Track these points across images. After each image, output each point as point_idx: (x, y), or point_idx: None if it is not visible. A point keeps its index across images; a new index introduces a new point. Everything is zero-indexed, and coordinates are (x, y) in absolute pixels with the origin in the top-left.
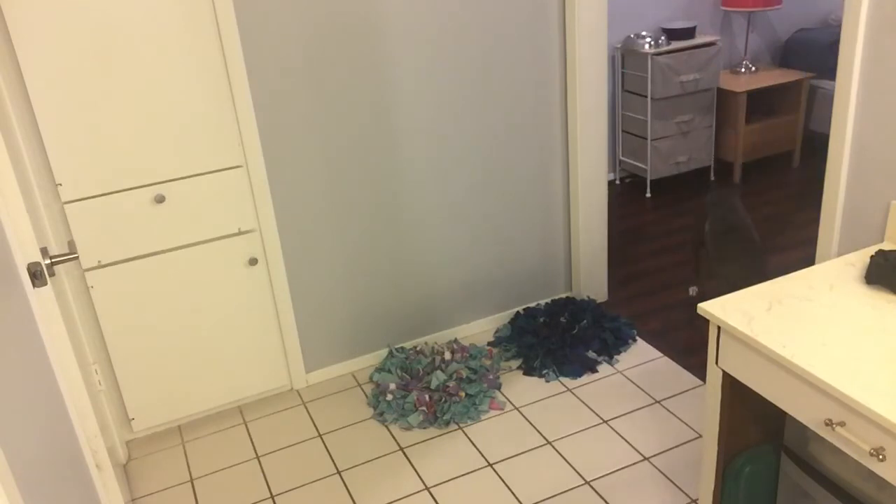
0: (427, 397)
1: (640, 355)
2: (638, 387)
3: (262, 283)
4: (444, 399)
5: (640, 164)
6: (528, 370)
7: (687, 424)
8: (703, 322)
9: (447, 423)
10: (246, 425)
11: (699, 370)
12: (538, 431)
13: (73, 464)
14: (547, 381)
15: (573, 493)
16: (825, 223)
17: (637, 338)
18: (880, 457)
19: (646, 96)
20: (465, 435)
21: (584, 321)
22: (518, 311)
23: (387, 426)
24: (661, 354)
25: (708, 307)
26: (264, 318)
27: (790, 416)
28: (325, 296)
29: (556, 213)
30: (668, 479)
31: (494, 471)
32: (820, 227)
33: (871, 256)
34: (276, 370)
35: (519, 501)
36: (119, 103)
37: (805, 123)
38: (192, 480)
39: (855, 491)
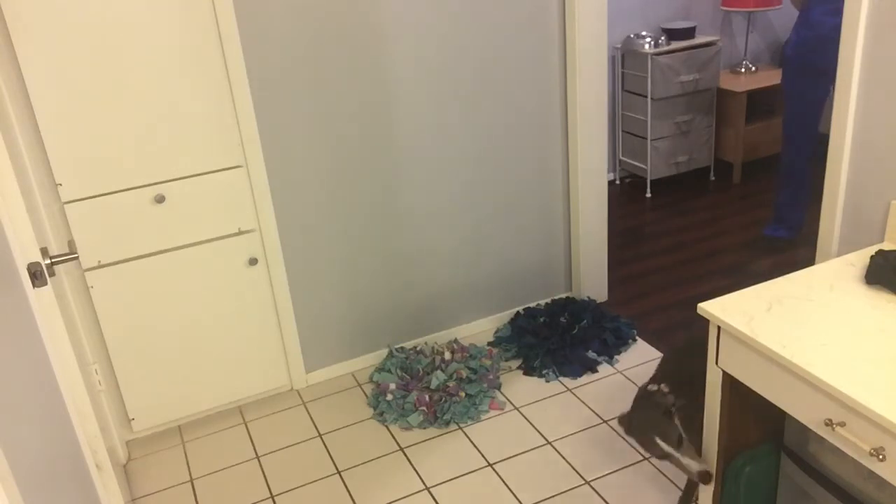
0: (427, 397)
1: (640, 355)
2: (638, 387)
3: (262, 283)
4: (444, 399)
5: (640, 164)
6: (528, 370)
7: None
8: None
9: (447, 423)
10: (246, 425)
11: None
12: (538, 431)
13: (73, 464)
14: (547, 381)
15: (573, 493)
16: (825, 223)
17: (637, 338)
18: (880, 457)
19: (646, 96)
20: (465, 435)
21: (584, 321)
22: (518, 311)
23: (387, 426)
24: (661, 354)
25: (708, 307)
26: (264, 318)
27: (790, 416)
28: (325, 295)
29: (556, 213)
30: (668, 478)
31: (494, 471)
32: (820, 227)
33: (871, 256)
34: (276, 370)
35: (519, 501)
36: (119, 103)
37: None
38: (192, 480)
39: (855, 491)
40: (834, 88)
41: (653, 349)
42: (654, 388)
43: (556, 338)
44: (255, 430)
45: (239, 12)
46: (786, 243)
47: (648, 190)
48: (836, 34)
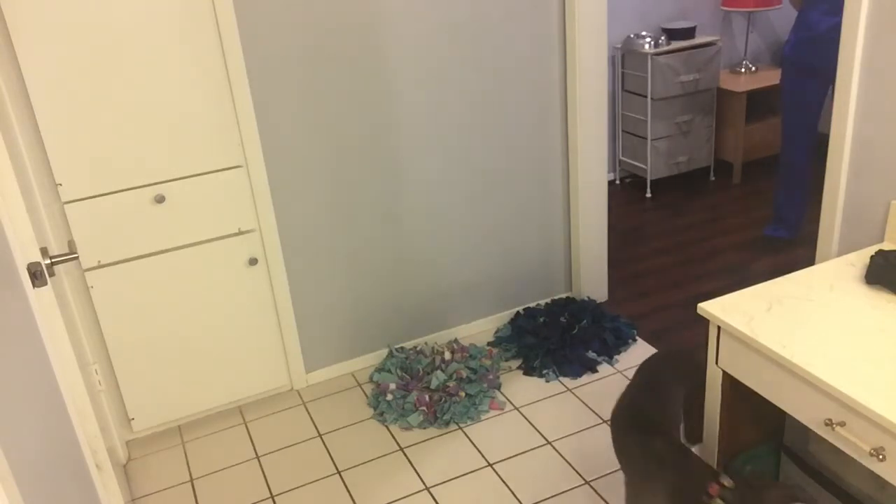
0: (427, 397)
1: (640, 355)
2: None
3: (262, 283)
4: (444, 399)
5: (640, 164)
6: (528, 370)
7: None
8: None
9: (447, 423)
10: (246, 425)
11: None
12: (538, 431)
13: (73, 464)
14: (547, 381)
15: (573, 493)
16: (825, 223)
17: (637, 338)
18: (880, 457)
19: (646, 96)
20: (465, 435)
21: (584, 321)
22: (518, 311)
23: (387, 426)
24: None
25: (708, 307)
26: (264, 318)
27: (790, 416)
28: (325, 296)
29: (556, 213)
30: None
31: (494, 471)
32: (820, 227)
33: (871, 256)
34: (276, 370)
35: (519, 501)
36: (119, 103)
37: None
38: (192, 480)
39: (855, 491)
40: (833, 88)
41: (653, 349)
42: (730, 483)
43: (556, 338)
44: (255, 430)
45: (239, 12)
46: (786, 243)
47: (648, 190)
48: (833, 34)
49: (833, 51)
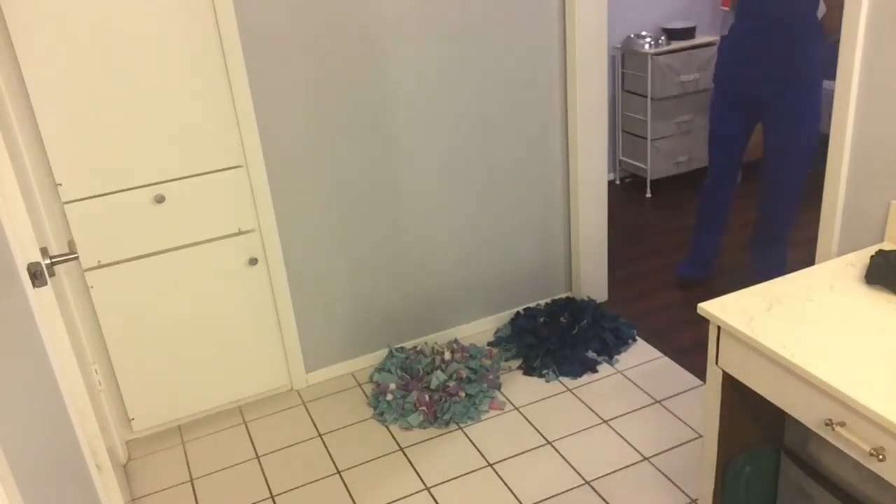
0: (427, 397)
1: (640, 355)
2: (638, 387)
3: (262, 283)
4: (444, 399)
5: (640, 164)
6: (528, 370)
7: (687, 424)
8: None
9: (447, 423)
10: (246, 425)
11: (699, 370)
12: (538, 431)
13: (73, 464)
14: (547, 381)
15: (573, 493)
16: (825, 223)
17: (637, 338)
18: (880, 457)
19: (646, 96)
20: (465, 435)
21: (584, 321)
22: (518, 311)
23: (387, 426)
24: (661, 354)
25: (708, 307)
26: (264, 318)
27: (790, 416)
28: (326, 295)
29: (556, 213)
30: (668, 479)
31: (494, 471)
32: (820, 227)
33: (871, 256)
34: (276, 370)
35: (519, 501)
36: (119, 103)
37: None
38: (192, 480)
39: (855, 491)
40: (763, 120)
41: (653, 349)
42: None
43: (555, 338)
44: (255, 430)
45: (239, 12)
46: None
47: (648, 190)
48: (753, 56)
49: (756, 74)
